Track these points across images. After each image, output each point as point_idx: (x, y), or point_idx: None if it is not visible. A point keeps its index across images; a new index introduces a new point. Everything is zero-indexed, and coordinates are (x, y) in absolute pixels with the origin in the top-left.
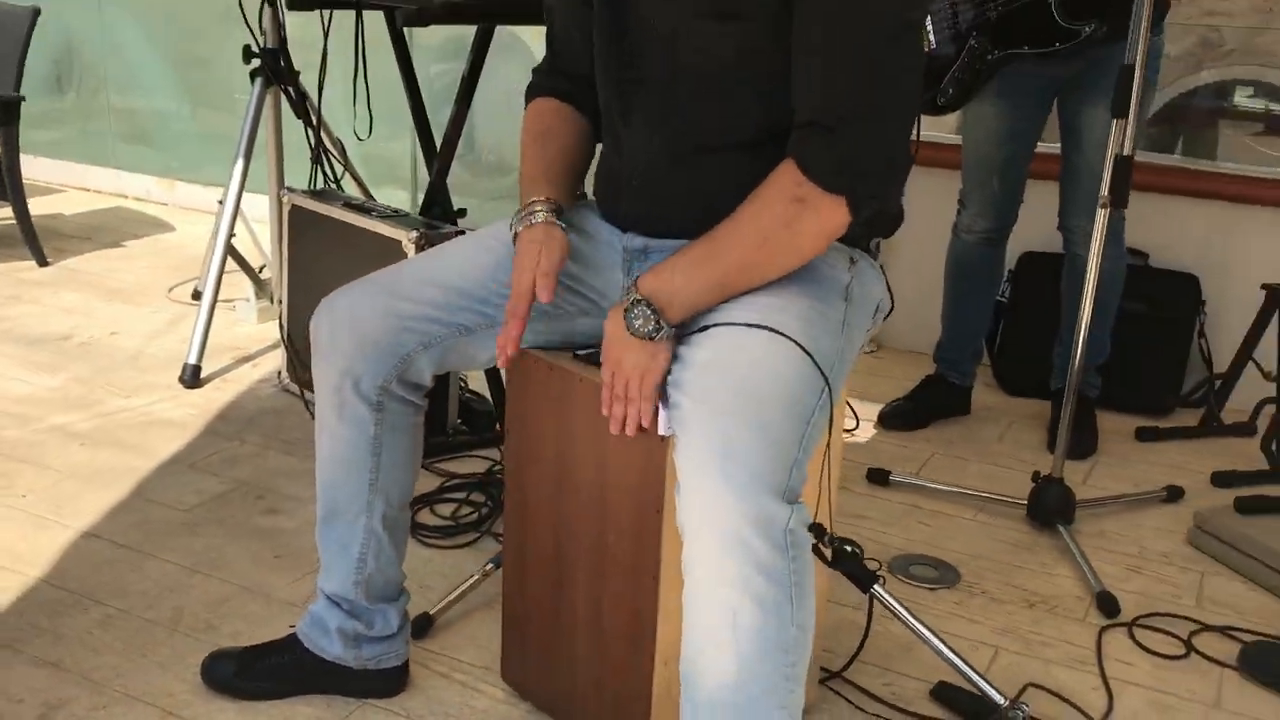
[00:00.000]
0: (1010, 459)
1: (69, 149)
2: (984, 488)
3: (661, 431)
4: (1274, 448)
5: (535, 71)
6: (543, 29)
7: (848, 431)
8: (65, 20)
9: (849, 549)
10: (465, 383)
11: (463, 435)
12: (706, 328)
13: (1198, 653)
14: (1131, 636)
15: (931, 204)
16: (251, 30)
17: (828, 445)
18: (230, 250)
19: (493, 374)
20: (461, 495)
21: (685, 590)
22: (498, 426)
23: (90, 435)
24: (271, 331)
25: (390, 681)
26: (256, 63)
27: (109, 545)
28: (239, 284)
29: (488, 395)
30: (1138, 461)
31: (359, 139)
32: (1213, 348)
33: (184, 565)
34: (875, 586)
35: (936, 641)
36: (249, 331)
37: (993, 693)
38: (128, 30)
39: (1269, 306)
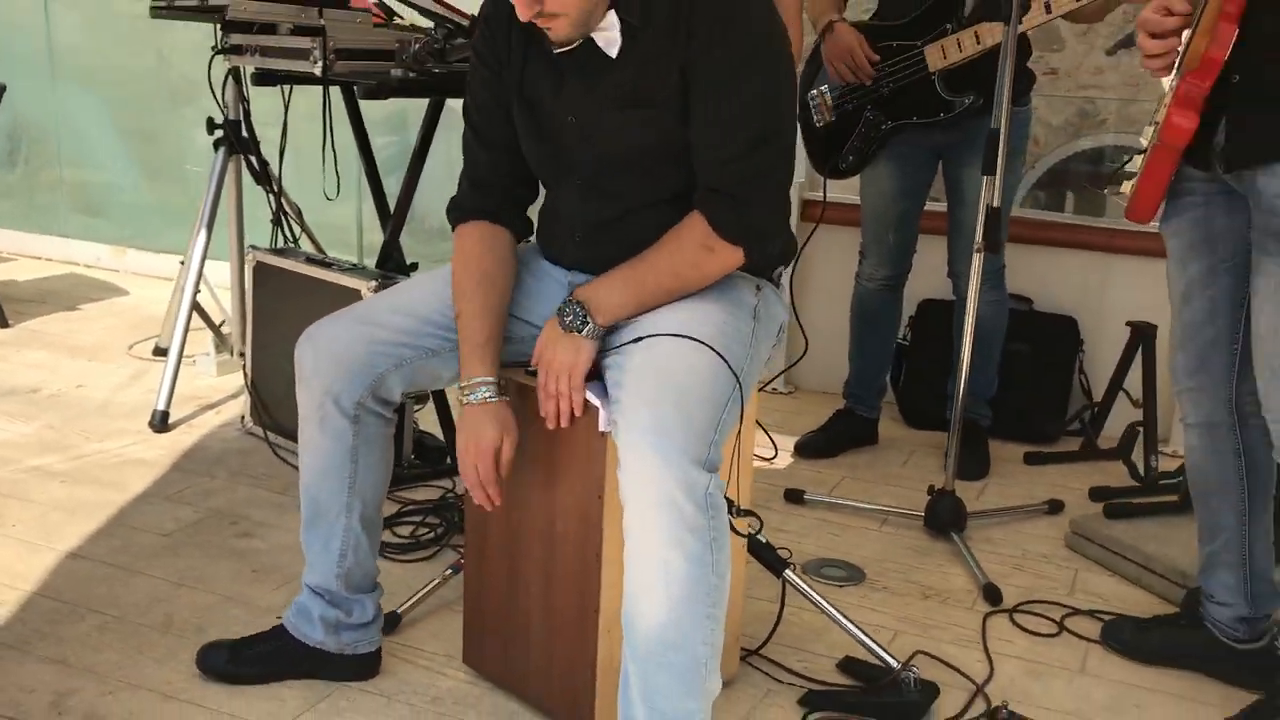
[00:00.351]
0: (912, 481)
1: (19, 219)
2: (888, 503)
3: (602, 428)
4: (1142, 463)
5: (460, 186)
6: None
7: (768, 459)
8: (18, 96)
9: (760, 538)
10: (417, 424)
11: (417, 468)
12: (641, 339)
13: (1068, 631)
14: (1012, 620)
15: (837, 257)
16: (219, 102)
17: (739, 435)
18: (195, 306)
19: (444, 414)
20: (419, 518)
21: (626, 549)
22: (448, 460)
23: (69, 474)
24: (231, 382)
25: (365, 666)
26: (220, 132)
27: (98, 565)
28: (198, 340)
29: (439, 434)
30: (1025, 482)
31: (327, 198)
32: (1091, 381)
33: (169, 580)
34: (786, 571)
35: (840, 617)
36: (210, 383)
37: (890, 660)
38: (79, 106)
39: (1134, 341)
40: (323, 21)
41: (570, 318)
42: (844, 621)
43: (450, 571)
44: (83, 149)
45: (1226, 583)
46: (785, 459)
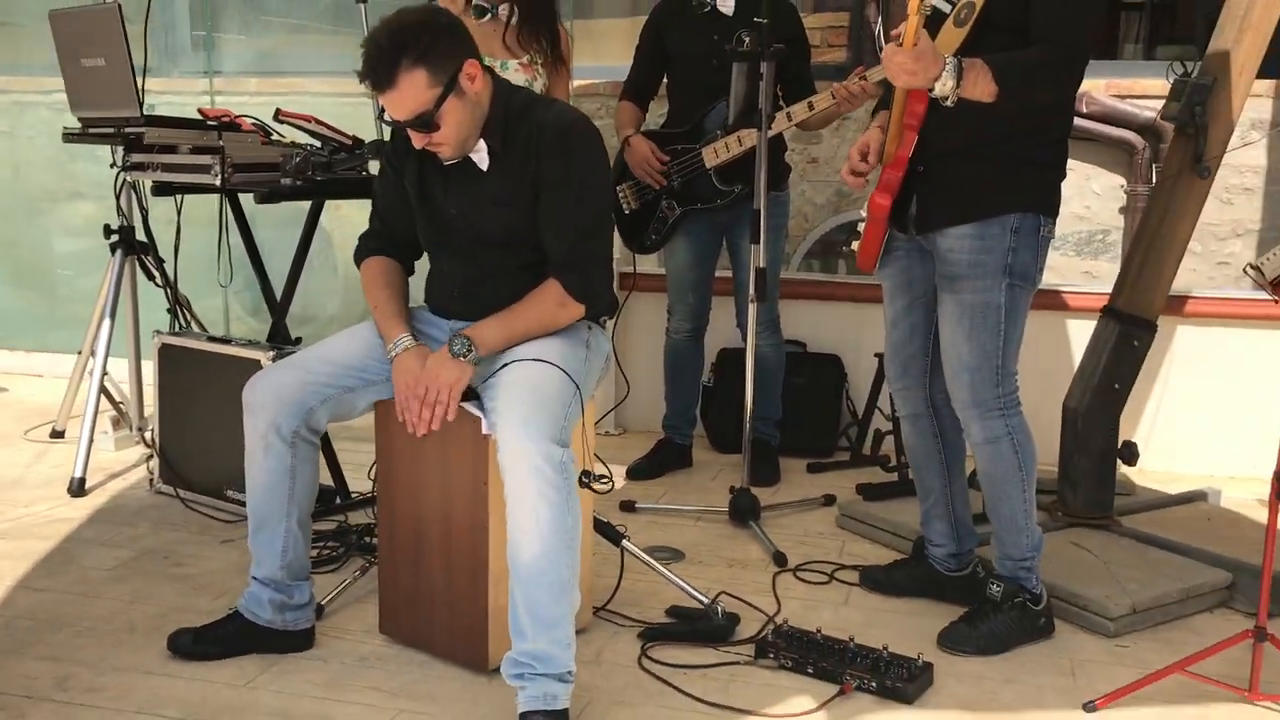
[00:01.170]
0: (720, 491)
1: None
2: (701, 506)
3: (485, 431)
4: (895, 461)
5: (362, 238)
6: (346, 203)
7: (603, 479)
8: None
9: (606, 521)
10: None
11: (315, 507)
12: (508, 364)
13: (837, 580)
14: (795, 575)
15: (650, 316)
16: (121, 209)
17: (583, 424)
18: (102, 389)
19: (332, 463)
20: (322, 543)
21: (508, 508)
22: (337, 500)
23: (6, 532)
24: (130, 455)
25: (305, 639)
26: (116, 236)
27: (59, 594)
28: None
29: (327, 479)
30: (808, 485)
31: (221, 286)
32: (855, 404)
33: (123, 600)
34: (624, 541)
35: (665, 572)
36: (111, 456)
37: (705, 600)
38: None
39: (881, 370)
40: (222, 142)
41: (458, 347)
42: (668, 574)
43: (359, 573)
44: None
45: (939, 530)
46: (620, 481)
